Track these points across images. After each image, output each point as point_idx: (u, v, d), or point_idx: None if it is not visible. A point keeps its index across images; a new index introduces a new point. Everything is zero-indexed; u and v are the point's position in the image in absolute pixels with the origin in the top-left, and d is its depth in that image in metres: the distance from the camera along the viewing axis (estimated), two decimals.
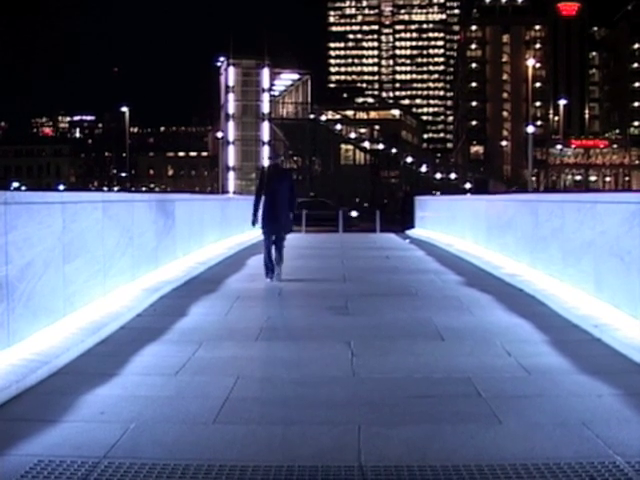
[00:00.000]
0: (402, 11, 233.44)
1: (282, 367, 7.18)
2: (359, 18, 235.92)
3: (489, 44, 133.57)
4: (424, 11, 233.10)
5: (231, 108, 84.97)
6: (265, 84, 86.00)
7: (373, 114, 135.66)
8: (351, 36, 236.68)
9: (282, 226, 13.24)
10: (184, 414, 5.64)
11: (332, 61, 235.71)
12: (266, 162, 18.85)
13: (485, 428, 5.30)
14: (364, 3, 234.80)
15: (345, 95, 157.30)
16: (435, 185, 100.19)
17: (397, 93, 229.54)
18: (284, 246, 13.50)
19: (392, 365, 7.21)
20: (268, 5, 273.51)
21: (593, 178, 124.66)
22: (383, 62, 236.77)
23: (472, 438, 5.08)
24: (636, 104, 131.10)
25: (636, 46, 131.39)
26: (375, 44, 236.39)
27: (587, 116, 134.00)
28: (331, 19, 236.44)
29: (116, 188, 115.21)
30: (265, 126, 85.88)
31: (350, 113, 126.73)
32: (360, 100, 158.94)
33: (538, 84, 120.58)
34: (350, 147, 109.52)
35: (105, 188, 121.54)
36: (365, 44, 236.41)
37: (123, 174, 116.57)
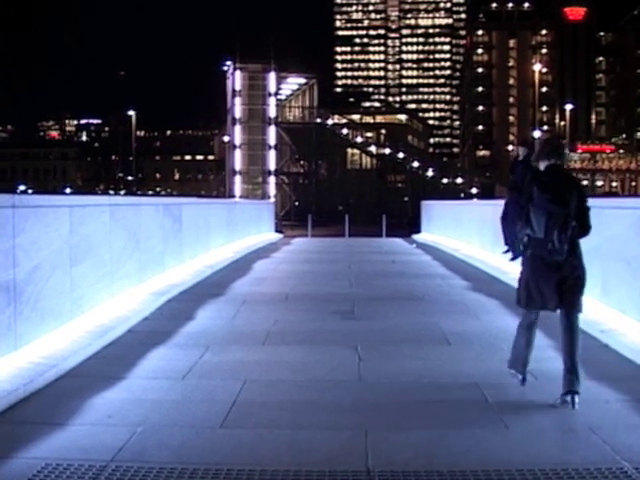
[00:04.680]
0: (408, 16, 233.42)
1: (289, 371, 7.18)
2: (365, 22, 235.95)
3: (495, 49, 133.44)
4: (430, 16, 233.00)
5: (237, 112, 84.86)
6: (272, 88, 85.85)
7: (379, 118, 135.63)
8: (357, 40, 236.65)
9: None
10: (191, 418, 5.65)
11: (339, 65, 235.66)
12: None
13: (492, 433, 5.30)
14: (370, 8, 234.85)
15: (351, 99, 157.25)
16: (441, 190, 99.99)
17: (403, 97, 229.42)
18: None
19: (399, 370, 7.21)
20: (274, 9, 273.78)
21: (599, 183, 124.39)
22: (389, 66, 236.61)
23: (479, 443, 5.08)
24: None
25: None
26: (381, 48, 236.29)
27: (594, 121, 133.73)
28: (337, 23, 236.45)
29: (122, 192, 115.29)
30: (272, 130, 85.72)
31: (356, 117, 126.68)
32: (366, 104, 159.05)
33: (544, 89, 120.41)
34: (356, 151, 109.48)
35: (111, 192, 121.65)
36: (371, 48, 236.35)
37: (129, 177, 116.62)
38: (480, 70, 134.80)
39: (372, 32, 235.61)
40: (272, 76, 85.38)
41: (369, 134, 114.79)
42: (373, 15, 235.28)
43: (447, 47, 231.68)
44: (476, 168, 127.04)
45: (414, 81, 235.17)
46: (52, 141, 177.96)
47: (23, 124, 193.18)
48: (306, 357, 7.83)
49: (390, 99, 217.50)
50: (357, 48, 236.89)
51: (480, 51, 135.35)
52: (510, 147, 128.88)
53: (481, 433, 5.29)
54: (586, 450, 4.93)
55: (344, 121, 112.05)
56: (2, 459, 4.70)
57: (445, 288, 13.59)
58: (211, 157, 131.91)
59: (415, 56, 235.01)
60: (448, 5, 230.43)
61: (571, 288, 6.46)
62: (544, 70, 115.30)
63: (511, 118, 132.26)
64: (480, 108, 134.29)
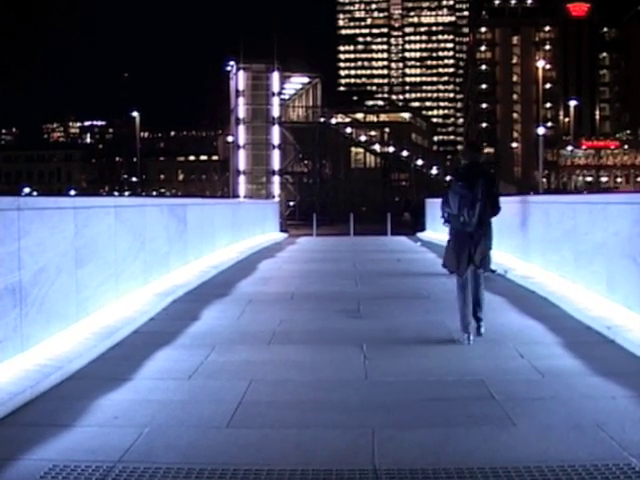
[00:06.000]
0: (411, 13, 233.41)
1: (295, 371, 7.18)
2: (368, 21, 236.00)
3: (499, 46, 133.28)
4: (433, 13, 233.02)
5: (241, 112, 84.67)
6: (275, 88, 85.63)
7: (383, 117, 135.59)
8: (361, 39, 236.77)
9: None
10: (197, 418, 5.65)
11: (342, 64, 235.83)
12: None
13: (499, 430, 5.29)
14: (373, 6, 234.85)
15: (355, 98, 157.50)
16: (445, 187, 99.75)
17: (407, 95, 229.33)
18: None
19: (405, 368, 7.20)
20: (278, 9, 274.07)
21: (604, 179, 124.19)
22: (393, 65, 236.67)
23: (486, 441, 5.07)
24: None
25: None
26: (385, 47, 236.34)
27: (598, 117, 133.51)
28: (340, 22, 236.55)
29: (127, 193, 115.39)
30: (275, 130, 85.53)
31: (360, 116, 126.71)
32: (370, 103, 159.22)
33: (548, 85, 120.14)
34: (360, 150, 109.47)
35: (116, 193, 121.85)
36: (375, 47, 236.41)
37: (134, 179, 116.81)
38: (483, 67, 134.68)
39: (375, 30, 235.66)
40: (275, 76, 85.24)
41: (373, 133, 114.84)
42: (376, 13, 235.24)
43: (450, 45, 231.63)
44: None
45: (417, 79, 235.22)
46: (56, 143, 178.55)
47: (27, 127, 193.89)
48: (312, 356, 7.83)
49: (393, 97, 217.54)
50: (360, 47, 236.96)
51: (483, 48, 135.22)
52: (514, 144, 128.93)
53: (488, 430, 5.28)
54: (593, 446, 4.91)
55: (348, 120, 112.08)
56: (9, 461, 4.70)
57: (450, 286, 13.47)
58: (215, 157, 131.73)
59: (418, 54, 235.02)
60: (451, 2, 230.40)
61: (480, 254, 8.44)
62: (548, 67, 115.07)
63: (515, 115, 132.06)
64: (484, 105, 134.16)
